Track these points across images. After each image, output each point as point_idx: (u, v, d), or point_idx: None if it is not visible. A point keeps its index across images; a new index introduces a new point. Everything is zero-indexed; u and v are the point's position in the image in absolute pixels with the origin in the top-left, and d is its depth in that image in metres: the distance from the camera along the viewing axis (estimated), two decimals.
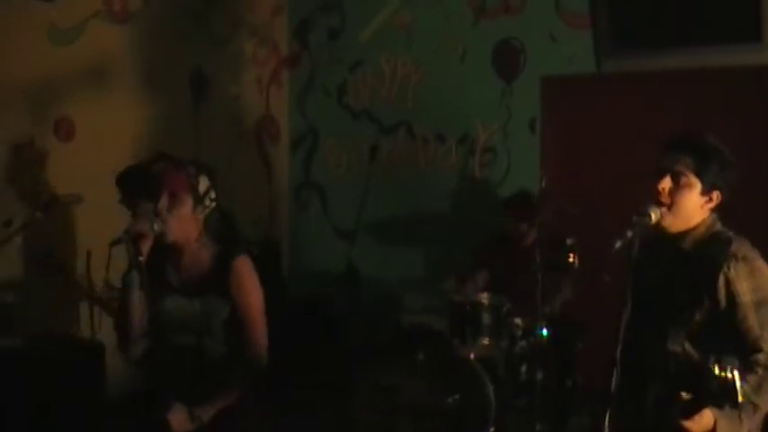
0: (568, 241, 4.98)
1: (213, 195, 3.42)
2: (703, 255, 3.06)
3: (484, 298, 5.07)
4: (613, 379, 3.03)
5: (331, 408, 5.41)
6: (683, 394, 2.84)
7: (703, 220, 3.12)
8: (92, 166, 5.61)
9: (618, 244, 3.10)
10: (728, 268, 3.01)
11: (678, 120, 5.63)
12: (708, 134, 3.17)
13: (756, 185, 5.37)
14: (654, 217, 3.14)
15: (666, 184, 3.09)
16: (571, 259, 5.01)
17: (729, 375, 2.64)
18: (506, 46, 6.22)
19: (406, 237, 6.62)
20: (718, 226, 3.14)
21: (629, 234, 3.11)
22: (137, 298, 3.29)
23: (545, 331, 4.90)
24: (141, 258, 3.24)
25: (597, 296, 4.49)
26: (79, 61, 5.53)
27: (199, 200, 3.36)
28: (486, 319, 5.01)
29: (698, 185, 3.07)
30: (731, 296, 3.02)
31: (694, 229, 3.12)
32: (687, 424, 2.92)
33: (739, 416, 2.92)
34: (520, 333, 4.99)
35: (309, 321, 6.45)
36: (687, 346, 3.09)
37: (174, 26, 6.21)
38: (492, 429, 4.82)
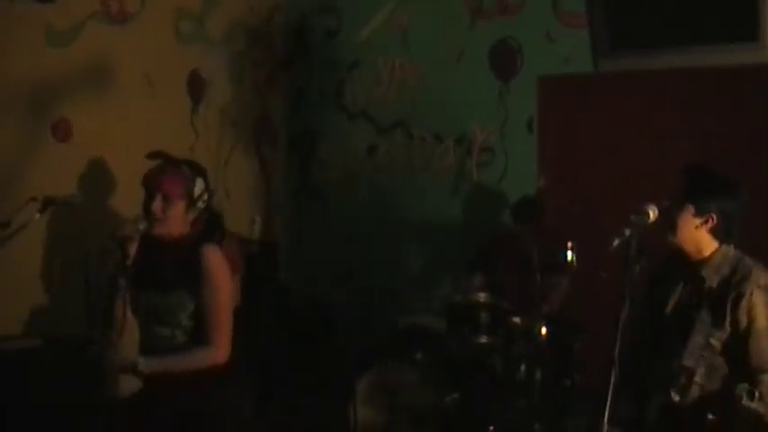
0: (568, 244, 4.99)
1: (206, 198, 3.47)
2: (726, 285, 3.33)
3: (482, 298, 5.07)
4: (612, 379, 3.07)
5: (330, 408, 5.41)
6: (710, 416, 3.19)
7: (717, 250, 3.40)
8: (89, 168, 5.62)
9: (616, 242, 3.18)
10: (751, 295, 3.28)
11: (675, 119, 5.65)
12: (707, 166, 3.52)
13: (754, 184, 5.38)
14: (651, 215, 3.23)
15: (666, 205, 3.38)
16: (570, 259, 5.02)
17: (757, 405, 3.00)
18: (503, 46, 6.23)
19: (404, 237, 6.62)
20: (736, 254, 3.41)
21: (627, 232, 3.18)
22: (122, 302, 3.30)
23: (543, 331, 4.91)
24: (128, 261, 3.26)
25: (596, 295, 4.50)
26: (76, 62, 5.53)
27: (192, 203, 3.41)
28: (485, 318, 5.02)
29: (690, 209, 3.36)
30: (750, 322, 3.28)
31: (710, 258, 3.39)
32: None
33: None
34: (518, 333, 5.00)
35: (307, 322, 6.45)
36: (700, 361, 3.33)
37: (172, 27, 6.21)
38: (490, 429, 4.83)
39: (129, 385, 3.31)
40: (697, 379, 3.30)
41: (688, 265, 3.44)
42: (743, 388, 3.09)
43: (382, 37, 6.75)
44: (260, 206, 7.03)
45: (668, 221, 3.40)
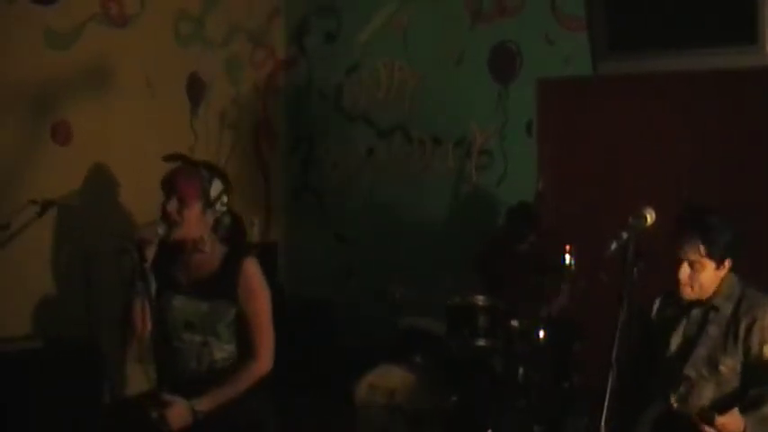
0: (567, 247, 5.00)
1: (225, 200, 3.43)
2: (740, 311, 3.39)
3: (481, 300, 5.08)
4: (609, 380, 3.08)
5: (329, 410, 5.41)
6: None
7: (723, 280, 3.43)
8: (89, 170, 5.62)
9: (613, 245, 3.18)
10: (764, 318, 3.33)
11: (674, 121, 5.66)
12: (711, 211, 3.46)
13: (752, 187, 5.39)
14: (649, 218, 3.25)
15: (685, 272, 3.39)
16: (569, 262, 5.03)
17: None
18: (502, 49, 6.24)
19: (403, 239, 6.63)
20: (739, 280, 3.45)
21: (625, 235, 3.19)
22: (139, 306, 3.29)
23: (542, 333, 4.91)
24: (146, 265, 3.26)
25: (594, 297, 4.51)
26: (76, 65, 5.53)
27: (209, 204, 3.37)
28: (483, 320, 5.02)
29: (711, 264, 3.38)
30: (762, 342, 3.32)
31: (719, 291, 3.43)
32: (721, 420, 3.15)
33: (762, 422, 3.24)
34: (517, 335, 5.00)
35: (307, 324, 6.46)
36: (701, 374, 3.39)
37: (171, 30, 6.22)
38: (490, 431, 4.83)
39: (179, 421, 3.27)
40: (697, 396, 3.34)
41: (696, 303, 3.48)
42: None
43: (382, 39, 6.76)
44: (259, 208, 7.04)
45: (684, 276, 3.40)
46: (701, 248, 3.35)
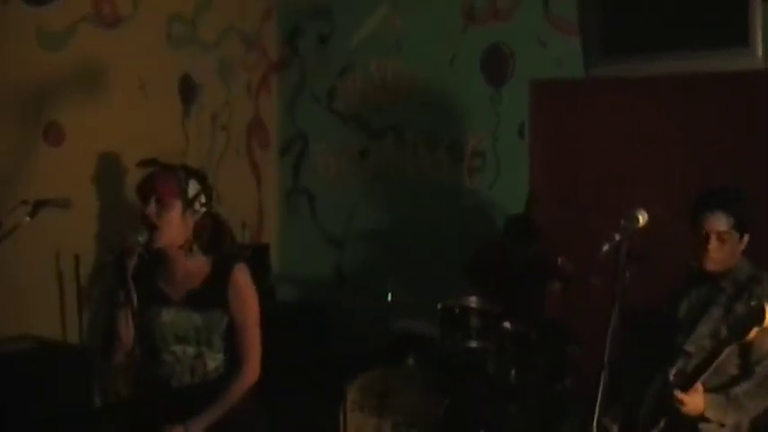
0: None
1: (204, 200, 3.36)
2: (744, 291, 3.49)
3: (473, 302, 5.08)
4: (601, 383, 3.09)
5: (321, 411, 5.40)
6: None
7: (738, 262, 3.57)
8: (81, 171, 5.61)
9: (606, 247, 3.19)
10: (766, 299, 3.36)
11: (666, 124, 5.67)
12: (732, 187, 3.66)
13: (746, 189, 5.39)
14: (641, 220, 3.26)
15: (714, 245, 3.54)
16: (562, 264, 5.03)
17: (760, 304, 3.14)
18: (495, 51, 6.24)
19: (396, 242, 6.62)
20: (750, 266, 3.58)
21: (617, 237, 3.19)
22: (124, 316, 3.25)
23: (535, 335, 4.92)
24: (128, 275, 3.21)
25: (587, 300, 4.51)
26: (68, 66, 5.53)
27: (188, 204, 3.31)
28: (477, 323, 5.02)
29: (736, 235, 3.54)
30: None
31: (731, 270, 3.56)
32: (680, 395, 3.28)
33: (726, 405, 3.34)
34: (510, 338, 5.00)
35: (299, 326, 6.45)
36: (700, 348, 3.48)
37: (164, 31, 6.22)
38: None
39: None
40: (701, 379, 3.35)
41: (708, 279, 3.61)
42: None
43: (375, 41, 6.76)
44: (251, 210, 7.03)
45: (707, 251, 3.54)
46: (728, 220, 3.50)
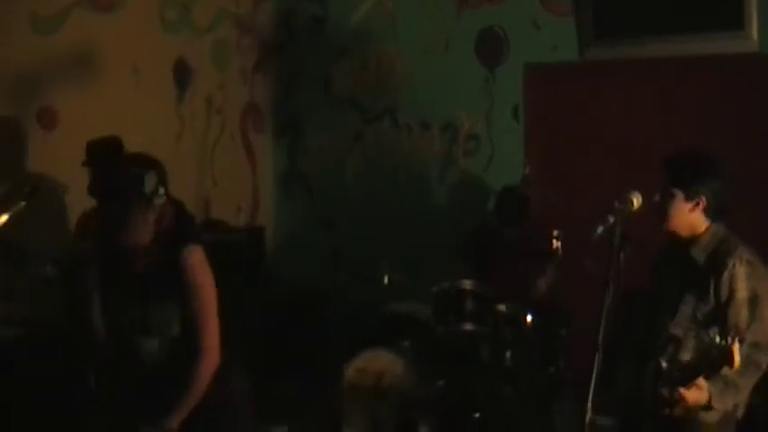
0: (554, 232, 5.01)
1: (162, 190, 3.24)
2: (712, 260, 3.43)
3: (468, 284, 5.09)
4: (595, 365, 3.11)
5: (316, 394, 5.43)
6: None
7: (707, 228, 3.48)
8: (75, 156, 5.60)
9: (599, 230, 3.21)
10: (733, 267, 3.36)
11: (661, 107, 5.68)
12: (691, 149, 3.65)
13: (740, 172, 5.40)
14: (635, 202, 3.27)
15: (660, 200, 3.48)
16: (555, 246, 5.05)
17: (729, 342, 3.02)
18: (490, 34, 6.23)
19: (391, 224, 6.63)
20: (725, 232, 3.49)
21: (611, 220, 3.21)
22: (96, 314, 3.25)
23: (529, 318, 4.93)
24: (90, 274, 3.18)
25: (581, 282, 4.52)
26: (62, 50, 5.51)
27: (147, 200, 3.21)
28: (471, 306, 5.04)
29: (680, 195, 3.42)
30: (732, 292, 3.35)
31: (701, 236, 3.47)
32: (683, 392, 3.22)
33: (726, 391, 3.30)
34: (504, 320, 5.02)
35: (294, 309, 6.46)
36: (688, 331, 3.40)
37: (158, 15, 6.19)
38: (477, 415, 4.86)
39: None
40: (686, 354, 3.34)
41: (682, 247, 3.52)
42: (714, 331, 3.17)
43: (369, 24, 6.74)
44: (246, 193, 7.03)
45: (661, 210, 3.47)
46: (671, 177, 3.46)
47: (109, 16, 5.80)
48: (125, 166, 3.28)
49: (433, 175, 6.51)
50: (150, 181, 3.20)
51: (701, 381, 3.23)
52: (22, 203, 4.01)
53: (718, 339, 3.09)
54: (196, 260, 3.27)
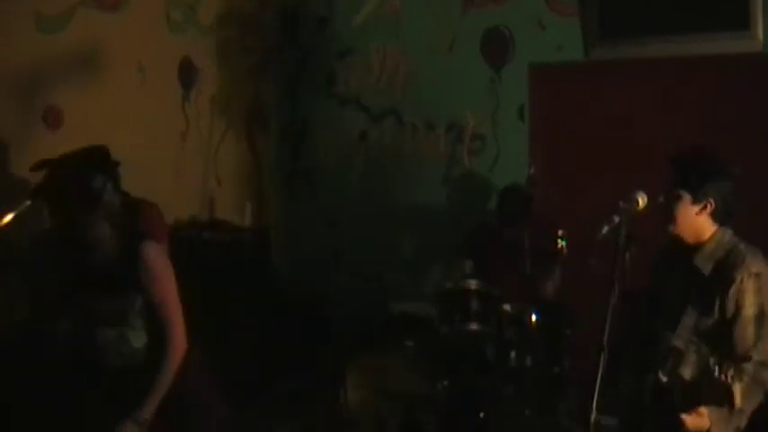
0: (559, 231, 5.00)
1: (110, 187, 3.33)
2: (719, 272, 3.33)
3: (473, 284, 5.08)
4: (600, 365, 3.10)
5: (320, 393, 5.43)
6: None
7: (713, 234, 3.39)
8: None
9: (605, 229, 3.20)
10: (741, 282, 3.27)
11: (666, 107, 5.67)
12: (698, 149, 3.52)
13: (744, 171, 5.39)
14: (641, 202, 3.25)
15: (665, 201, 3.42)
16: (561, 246, 5.03)
17: (729, 381, 3.00)
18: (495, 33, 6.23)
19: (395, 224, 6.63)
20: (731, 239, 3.39)
21: (616, 220, 3.20)
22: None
23: (534, 317, 4.92)
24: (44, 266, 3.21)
25: (586, 282, 4.51)
26: (67, 49, 5.51)
27: (95, 201, 3.29)
28: (475, 305, 5.02)
29: (687, 197, 3.36)
30: (738, 309, 3.27)
31: (706, 243, 3.39)
32: (684, 417, 3.22)
33: (729, 418, 3.25)
34: (509, 320, 5.01)
35: (299, 308, 6.46)
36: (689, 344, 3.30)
37: (163, 14, 6.20)
38: (481, 415, 4.85)
39: None
40: (687, 370, 3.28)
41: (685, 251, 3.45)
42: (713, 361, 3.12)
43: (374, 24, 6.74)
44: (251, 192, 7.03)
45: (666, 212, 3.41)
46: (677, 178, 3.40)
47: (114, 15, 5.80)
48: (74, 165, 3.35)
49: (439, 174, 6.50)
50: (97, 180, 3.29)
51: (702, 408, 3.21)
52: (27, 202, 4.01)
53: (717, 372, 3.05)
54: (155, 253, 3.36)
